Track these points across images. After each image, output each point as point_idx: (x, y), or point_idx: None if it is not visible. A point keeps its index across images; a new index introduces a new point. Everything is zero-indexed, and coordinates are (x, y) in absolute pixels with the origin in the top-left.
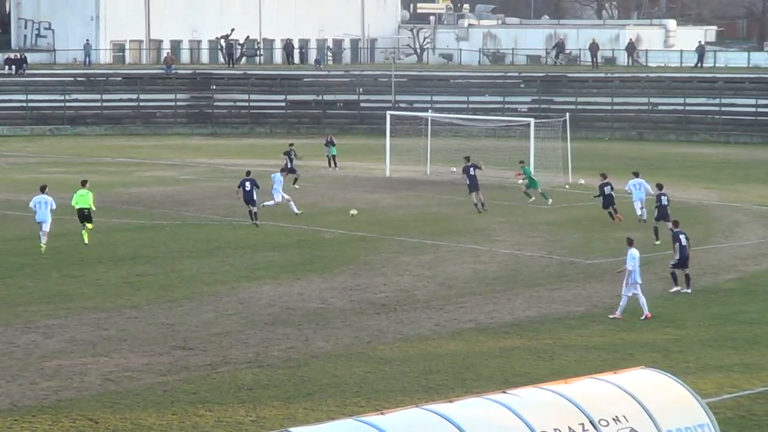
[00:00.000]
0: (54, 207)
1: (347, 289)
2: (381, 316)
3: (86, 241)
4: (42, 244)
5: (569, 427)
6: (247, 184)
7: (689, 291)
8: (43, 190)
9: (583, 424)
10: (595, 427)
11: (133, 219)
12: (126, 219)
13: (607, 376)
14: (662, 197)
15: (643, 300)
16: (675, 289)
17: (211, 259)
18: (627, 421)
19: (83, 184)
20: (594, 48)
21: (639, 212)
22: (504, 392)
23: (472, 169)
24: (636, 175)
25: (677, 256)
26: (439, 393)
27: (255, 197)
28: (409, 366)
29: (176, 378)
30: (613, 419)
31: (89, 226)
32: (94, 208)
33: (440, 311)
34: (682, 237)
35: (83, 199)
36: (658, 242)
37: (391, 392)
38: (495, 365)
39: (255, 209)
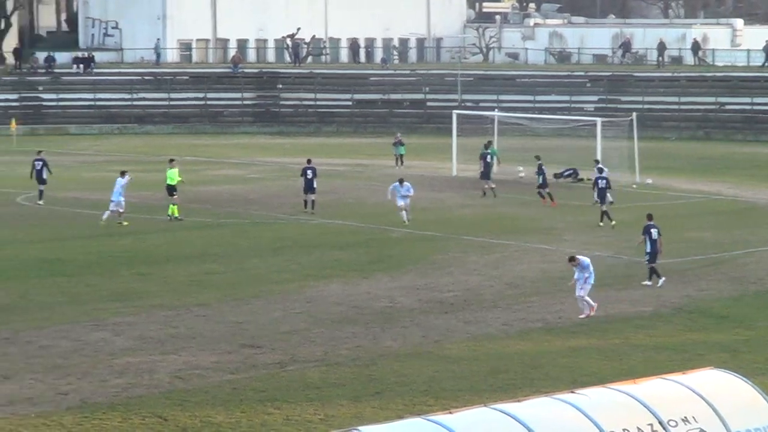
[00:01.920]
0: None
1: (415, 288)
2: (449, 315)
3: (177, 215)
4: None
5: (638, 428)
6: (309, 172)
7: (663, 281)
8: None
9: (651, 425)
10: (664, 428)
11: (200, 218)
12: (194, 217)
13: (676, 377)
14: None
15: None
16: (646, 282)
17: (278, 257)
18: (696, 421)
19: (171, 162)
20: (661, 47)
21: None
22: (572, 392)
23: (489, 156)
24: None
25: (647, 250)
26: (507, 392)
27: (315, 185)
28: (478, 365)
29: (245, 376)
30: (682, 420)
31: (175, 197)
32: (182, 179)
33: (508, 311)
34: (653, 231)
35: (171, 176)
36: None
37: (460, 391)
38: (563, 365)
39: (313, 197)
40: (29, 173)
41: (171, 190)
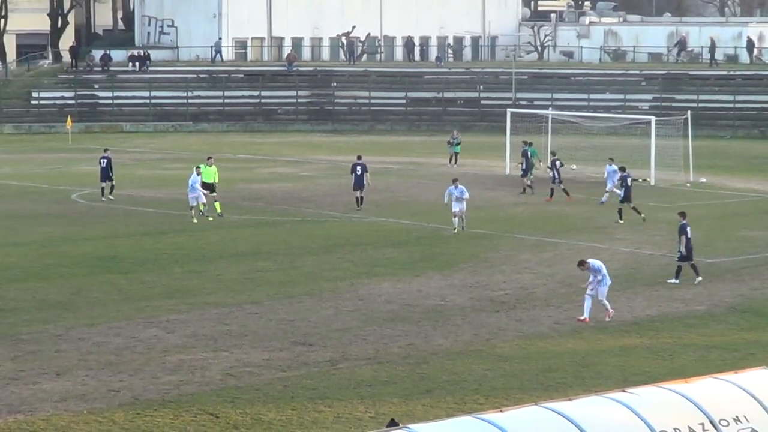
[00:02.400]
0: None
1: (466, 286)
2: (500, 313)
3: (219, 211)
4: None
5: (689, 427)
6: (358, 168)
7: (700, 279)
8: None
9: (703, 424)
10: (715, 427)
11: (254, 215)
12: (247, 215)
13: (728, 376)
14: (627, 179)
15: (588, 305)
16: (672, 281)
17: (330, 255)
18: (748, 421)
19: (208, 160)
20: (712, 47)
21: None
22: (623, 391)
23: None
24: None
25: (683, 249)
26: (558, 391)
27: (365, 182)
28: (528, 364)
29: (296, 374)
30: (734, 419)
31: (214, 195)
32: (217, 182)
33: (559, 309)
34: (688, 229)
35: (208, 174)
36: (621, 222)
37: (510, 390)
38: (614, 364)
39: (362, 194)
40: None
41: (209, 187)
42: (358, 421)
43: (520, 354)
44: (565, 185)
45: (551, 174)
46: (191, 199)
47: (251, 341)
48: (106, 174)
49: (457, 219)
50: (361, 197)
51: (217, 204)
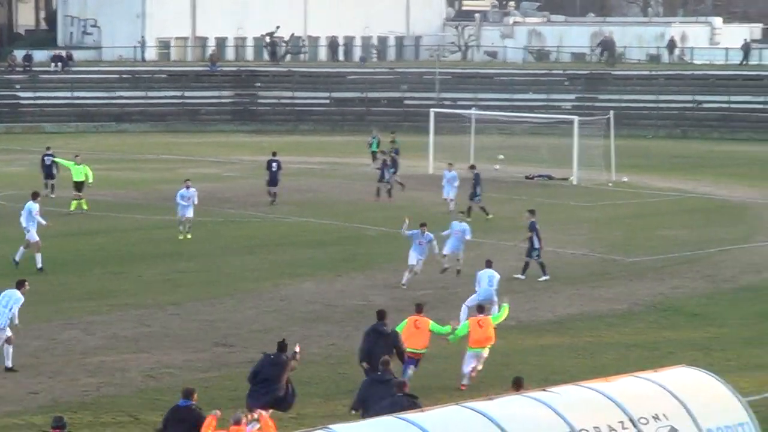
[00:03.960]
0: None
1: (389, 286)
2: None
3: (84, 207)
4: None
5: (609, 425)
6: (273, 165)
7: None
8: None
9: (623, 422)
10: (635, 425)
11: (175, 216)
12: (169, 216)
13: (648, 375)
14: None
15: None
16: (543, 278)
17: (252, 256)
18: (667, 419)
19: (76, 158)
20: (609, 45)
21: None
22: (544, 390)
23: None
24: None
25: (536, 246)
26: (479, 390)
27: (279, 179)
28: (450, 363)
29: (217, 375)
30: (653, 417)
31: (80, 194)
32: (91, 182)
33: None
34: (538, 226)
35: (77, 172)
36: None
37: (432, 390)
38: (535, 363)
39: (275, 190)
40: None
41: (78, 186)
42: (278, 422)
43: (442, 353)
44: (488, 185)
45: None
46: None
47: (172, 342)
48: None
49: (407, 274)
50: (275, 193)
51: (82, 202)
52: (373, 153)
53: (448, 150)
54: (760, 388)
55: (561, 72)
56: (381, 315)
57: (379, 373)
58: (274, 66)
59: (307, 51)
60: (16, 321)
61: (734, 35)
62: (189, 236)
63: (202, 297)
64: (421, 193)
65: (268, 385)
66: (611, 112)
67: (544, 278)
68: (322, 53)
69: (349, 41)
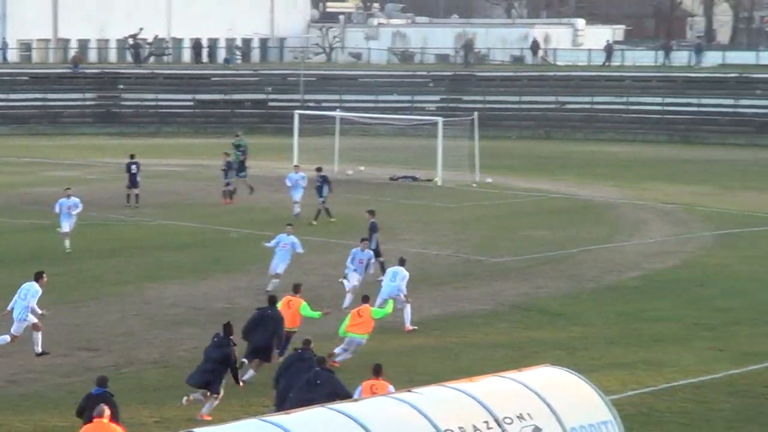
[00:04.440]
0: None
1: (254, 288)
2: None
3: None
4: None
5: (474, 425)
6: (133, 167)
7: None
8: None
9: (487, 422)
10: (499, 425)
11: (35, 219)
12: (30, 219)
13: (512, 374)
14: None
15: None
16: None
17: (116, 259)
18: (531, 418)
19: None
20: (468, 46)
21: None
22: (409, 391)
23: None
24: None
25: (373, 247)
26: None
27: (139, 180)
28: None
29: (80, 379)
30: (518, 417)
31: None
32: None
33: (346, 311)
34: (377, 226)
35: None
36: (314, 222)
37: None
38: (400, 364)
39: (137, 191)
40: None
41: None
42: (141, 426)
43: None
44: (352, 187)
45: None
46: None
47: (34, 347)
48: None
49: (348, 296)
50: (137, 195)
51: None
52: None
53: (312, 152)
54: (622, 386)
55: (425, 73)
56: (271, 300)
57: (299, 351)
58: (138, 68)
59: (171, 53)
60: (39, 311)
61: (597, 37)
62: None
63: (65, 301)
64: (284, 195)
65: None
66: (475, 113)
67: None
68: (186, 55)
69: (213, 43)
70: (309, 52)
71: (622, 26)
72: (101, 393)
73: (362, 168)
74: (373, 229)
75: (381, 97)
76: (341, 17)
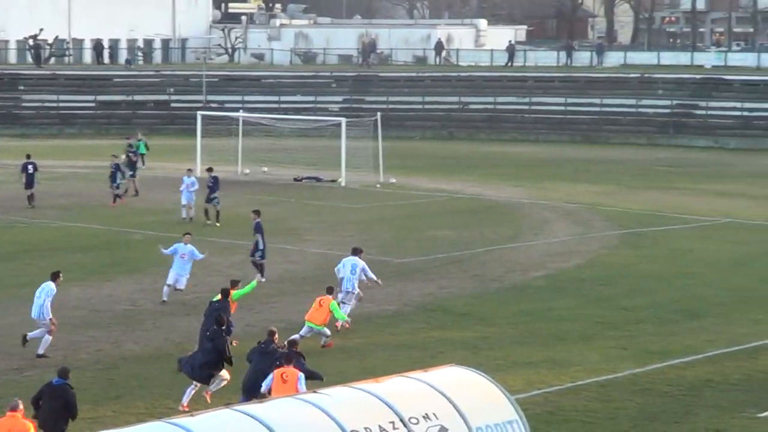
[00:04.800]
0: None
1: (157, 290)
2: (191, 317)
3: None
4: None
5: (380, 426)
6: (30, 167)
7: (264, 279)
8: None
9: (393, 422)
10: (405, 425)
11: None
12: None
13: (418, 374)
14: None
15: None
16: (260, 279)
17: (17, 261)
18: (437, 418)
19: None
20: (366, 47)
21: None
22: (314, 392)
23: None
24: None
25: (261, 247)
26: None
27: (35, 180)
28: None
29: None
30: (423, 417)
31: None
32: None
33: (251, 311)
34: (263, 227)
35: None
36: (210, 222)
37: (201, 394)
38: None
39: (33, 191)
40: None
41: None
42: None
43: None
44: (255, 188)
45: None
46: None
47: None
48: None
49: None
50: (32, 194)
51: None
52: (141, 155)
53: (216, 153)
54: (527, 385)
55: (328, 74)
56: (224, 293)
57: (263, 344)
58: (38, 69)
59: (72, 54)
60: (49, 314)
61: (499, 37)
62: None
63: None
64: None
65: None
66: (378, 114)
67: (260, 279)
68: (87, 56)
69: (114, 44)
70: (211, 52)
71: (524, 27)
72: (61, 384)
73: (265, 169)
74: (258, 229)
75: (284, 98)
76: (243, 18)
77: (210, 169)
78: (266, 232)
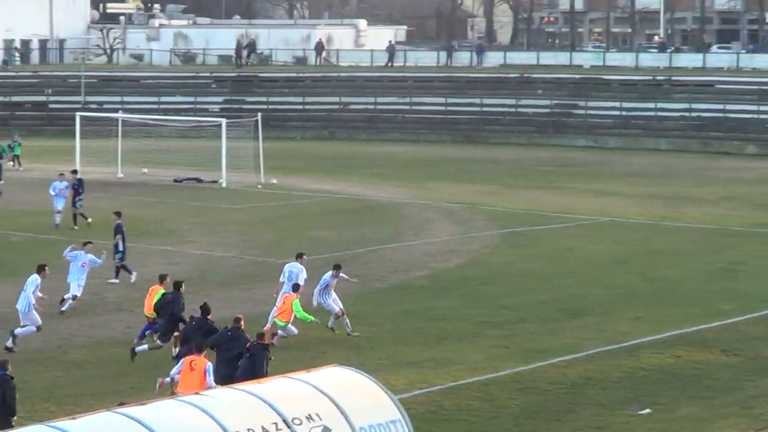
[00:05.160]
0: None
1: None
2: (72, 319)
3: None
4: None
5: (263, 427)
6: None
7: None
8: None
9: (276, 423)
10: (288, 426)
11: None
12: None
13: (300, 375)
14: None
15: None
16: (113, 281)
17: None
18: (320, 419)
19: None
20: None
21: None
22: (197, 393)
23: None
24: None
25: (121, 249)
26: (132, 396)
27: None
28: (102, 369)
29: None
30: (307, 418)
31: None
32: None
33: (132, 313)
34: (124, 229)
35: None
36: (77, 227)
37: (83, 396)
38: None
39: None
40: None
41: None
42: None
43: (93, 360)
44: (135, 189)
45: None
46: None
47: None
48: None
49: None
50: None
51: None
52: (16, 156)
53: (95, 154)
54: (410, 385)
55: (208, 74)
56: (176, 285)
57: (230, 331)
58: None
59: None
60: (39, 295)
61: (379, 37)
62: None
63: None
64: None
65: None
66: (259, 114)
67: (114, 281)
68: None
69: None
70: (90, 53)
71: (404, 27)
72: (1, 375)
73: (146, 170)
74: (118, 230)
75: (164, 99)
76: (122, 18)
77: (74, 172)
78: (146, 234)
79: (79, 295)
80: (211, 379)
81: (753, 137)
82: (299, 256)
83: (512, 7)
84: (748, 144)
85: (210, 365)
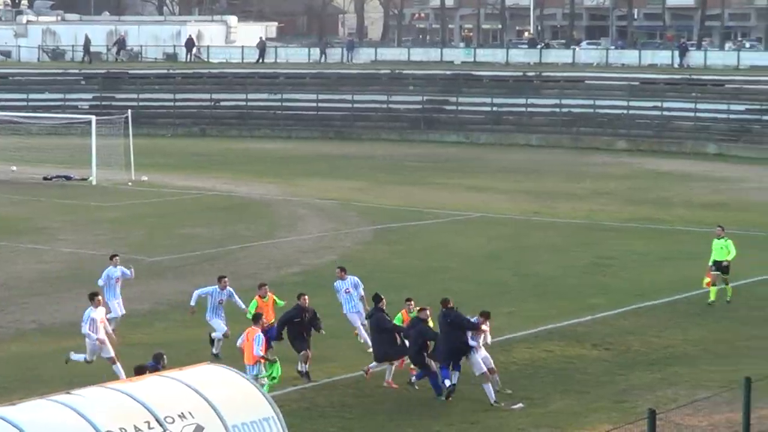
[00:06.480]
0: None
1: None
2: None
3: None
4: None
5: (135, 426)
6: None
7: None
8: None
9: (149, 422)
10: (161, 425)
11: None
12: None
13: (173, 373)
14: None
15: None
16: None
17: None
18: (193, 417)
19: None
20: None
21: None
22: (68, 393)
23: None
24: None
25: None
26: (1, 396)
27: None
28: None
29: None
30: (179, 416)
31: None
32: None
33: (1, 313)
34: None
35: None
36: None
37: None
38: (59, 366)
39: None
40: None
41: None
42: None
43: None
44: (3, 188)
45: None
46: None
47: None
48: None
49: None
50: None
51: None
52: None
53: None
54: (284, 382)
55: (77, 71)
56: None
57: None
58: None
59: None
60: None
61: (250, 34)
62: None
63: None
64: None
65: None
66: (129, 111)
67: None
68: None
69: None
70: None
71: (275, 23)
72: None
73: (14, 168)
74: None
75: (32, 96)
76: None
77: None
78: (16, 233)
79: (123, 312)
80: (258, 348)
81: (623, 132)
82: None
83: (383, 3)
84: (618, 139)
85: (259, 335)
